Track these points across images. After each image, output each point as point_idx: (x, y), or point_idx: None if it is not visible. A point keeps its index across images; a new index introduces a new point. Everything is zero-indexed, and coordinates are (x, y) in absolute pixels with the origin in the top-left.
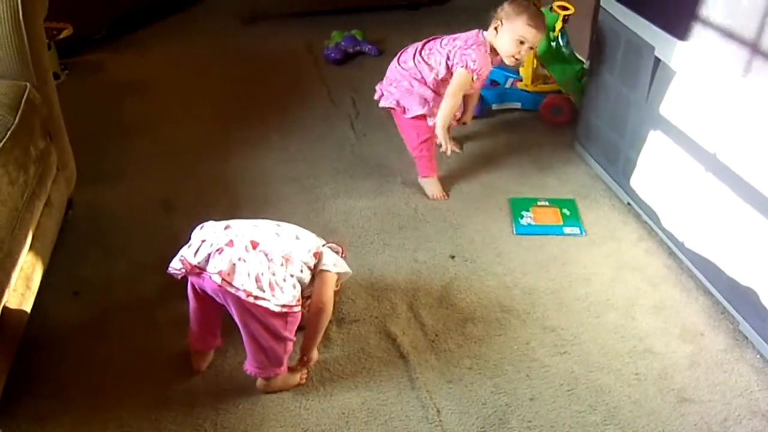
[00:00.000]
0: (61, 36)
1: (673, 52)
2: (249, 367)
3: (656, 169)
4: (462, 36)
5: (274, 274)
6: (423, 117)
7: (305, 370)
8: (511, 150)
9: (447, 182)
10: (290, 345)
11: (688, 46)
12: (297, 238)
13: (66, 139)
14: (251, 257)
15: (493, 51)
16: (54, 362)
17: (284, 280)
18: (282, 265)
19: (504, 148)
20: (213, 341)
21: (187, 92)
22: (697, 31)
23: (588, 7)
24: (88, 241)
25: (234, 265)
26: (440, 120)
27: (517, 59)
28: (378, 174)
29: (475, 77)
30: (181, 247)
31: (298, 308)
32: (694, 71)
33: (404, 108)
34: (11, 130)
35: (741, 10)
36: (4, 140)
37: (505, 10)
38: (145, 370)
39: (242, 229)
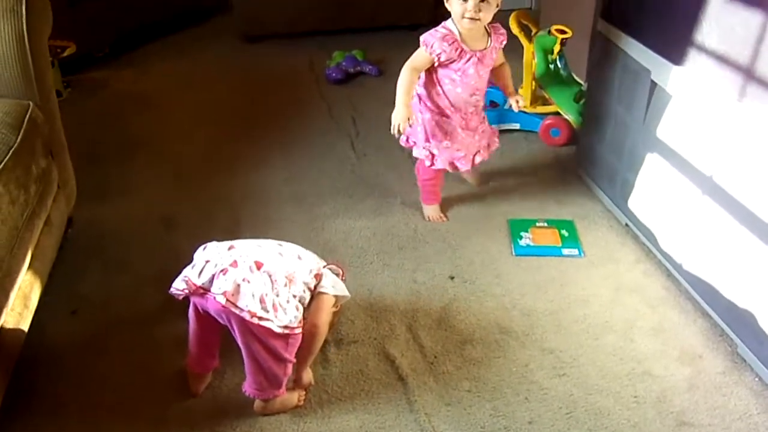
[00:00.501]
0: (65, 54)
1: (669, 76)
2: (248, 388)
3: (654, 190)
4: None
5: (277, 295)
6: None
7: (303, 392)
8: (510, 171)
9: (446, 202)
10: (290, 367)
11: (684, 70)
12: (299, 258)
13: (67, 157)
14: (255, 278)
15: (470, 38)
16: (52, 380)
17: (287, 302)
18: (285, 285)
19: (503, 168)
20: (211, 363)
21: (188, 110)
22: (693, 56)
23: (585, 29)
24: (87, 259)
25: (238, 285)
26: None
27: (472, 19)
28: (378, 194)
29: (429, 53)
30: (181, 265)
31: (299, 330)
32: (690, 95)
33: (411, 144)
34: (13, 149)
35: (735, 36)
36: (6, 159)
37: None
38: (143, 389)
39: (246, 249)
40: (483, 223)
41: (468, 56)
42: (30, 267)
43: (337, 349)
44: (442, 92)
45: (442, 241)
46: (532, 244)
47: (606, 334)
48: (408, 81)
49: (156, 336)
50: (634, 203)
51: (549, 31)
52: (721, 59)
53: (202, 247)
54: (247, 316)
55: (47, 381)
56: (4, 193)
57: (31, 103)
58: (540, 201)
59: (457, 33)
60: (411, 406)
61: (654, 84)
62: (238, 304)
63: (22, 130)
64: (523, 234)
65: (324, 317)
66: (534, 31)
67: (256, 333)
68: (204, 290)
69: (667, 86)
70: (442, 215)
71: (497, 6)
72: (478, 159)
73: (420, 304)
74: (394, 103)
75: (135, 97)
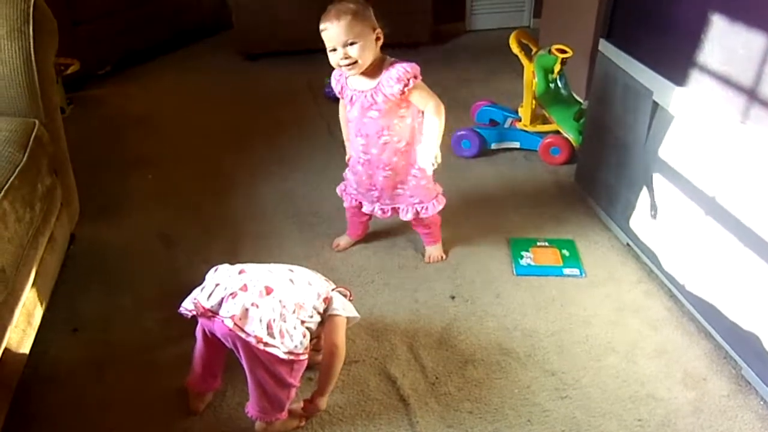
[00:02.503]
0: (68, 71)
1: (671, 97)
2: (251, 410)
3: (655, 211)
4: None
5: (285, 321)
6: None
7: (304, 413)
8: (510, 189)
9: (445, 221)
10: (293, 392)
11: (686, 91)
12: (309, 284)
13: (71, 175)
14: (264, 303)
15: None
16: (52, 399)
17: (294, 328)
18: (294, 312)
19: (503, 187)
20: (213, 383)
21: (188, 128)
22: (695, 77)
23: (585, 48)
24: (88, 276)
25: (247, 310)
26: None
27: (348, 65)
28: None
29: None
30: (181, 284)
31: (305, 356)
32: (693, 116)
33: None
34: (19, 167)
35: (738, 58)
36: (13, 178)
37: None
38: (143, 409)
39: (257, 274)
40: (483, 242)
41: (349, 96)
42: (34, 284)
43: None
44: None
45: (442, 260)
46: (533, 263)
47: (608, 355)
48: (340, 117)
49: (156, 356)
50: (635, 223)
51: (549, 51)
52: (724, 80)
53: (214, 269)
54: (253, 341)
55: (48, 399)
56: (11, 211)
57: (36, 122)
58: (540, 220)
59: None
60: (413, 427)
61: (656, 104)
62: (245, 328)
63: (28, 149)
64: (523, 253)
65: (341, 337)
66: (534, 50)
67: (262, 358)
68: (213, 313)
69: (669, 107)
70: (346, 247)
71: (378, 39)
72: (378, 212)
73: (421, 323)
74: None
75: (136, 115)
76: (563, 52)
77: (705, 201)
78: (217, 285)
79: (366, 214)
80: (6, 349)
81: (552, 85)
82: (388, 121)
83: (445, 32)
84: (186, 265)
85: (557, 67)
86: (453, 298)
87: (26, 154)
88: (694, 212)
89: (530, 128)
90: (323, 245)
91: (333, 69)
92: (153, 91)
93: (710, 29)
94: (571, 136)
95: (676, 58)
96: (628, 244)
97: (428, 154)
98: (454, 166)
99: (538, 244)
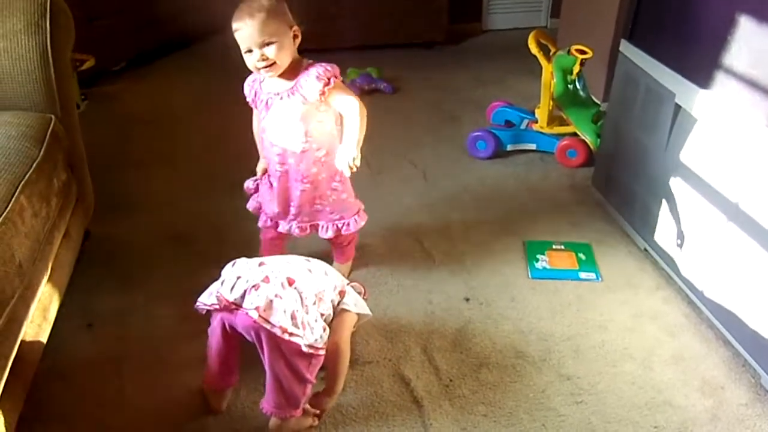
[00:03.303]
0: (84, 67)
1: (695, 99)
2: (266, 406)
3: (675, 215)
4: None
5: (307, 313)
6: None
7: (317, 411)
8: (526, 192)
9: (459, 223)
10: (309, 388)
11: (711, 94)
12: (326, 274)
13: (86, 170)
14: (287, 294)
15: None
16: (66, 394)
17: (315, 321)
18: (314, 303)
19: (518, 189)
20: (231, 379)
21: (202, 126)
22: (721, 80)
23: (604, 49)
24: (102, 272)
25: (271, 301)
26: None
27: (266, 67)
28: (391, 212)
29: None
30: (193, 283)
31: (323, 351)
32: (717, 120)
33: None
34: (36, 162)
35: (766, 61)
36: (30, 172)
37: None
38: (158, 407)
39: (277, 265)
40: (498, 244)
41: (264, 100)
42: (49, 280)
43: (352, 369)
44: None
45: (457, 262)
46: (548, 267)
47: (625, 361)
48: (254, 129)
49: (170, 353)
50: (653, 228)
51: (568, 51)
52: (751, 84)
53: (231, 263)
54: (279, 332)
55: (63, 394)
56: (28, 206)
57: (53, 117)
58: (556, 223)
59: (262, 75)
60: (426, 429)
61: (678, 107)
62: (271, 320)
63: (44, 144)
64: (539, 256)
65: (345, 335)
66: (553, 50)
67: (284, 350)
68: (236, 306)
69: (692, 110)
70: None
71: (296, 36)
72: (296, 230)
73: (435, 325)
74: (409, 120)
75: (150, 112)
76: (583, 52)
77: (728, 207)
78: (238, 278)
79: (282, 235)
80: (22, 344)
81: (570, 87)
82: (306, 126)
83: (460, 32)
84: (199, 263)
85: (576, 68)
86: (467, 300)
87: (43, 149)
88: (716, 218)
89: (547, 130)
90: None
91: (348, 68)
92: (167, 89)
93: (738, 31)
94: (588, 138)
95: (701, 61)
96: (645, 249)
97: (347, 153)
98: (469, 167)
99: (554, 247)
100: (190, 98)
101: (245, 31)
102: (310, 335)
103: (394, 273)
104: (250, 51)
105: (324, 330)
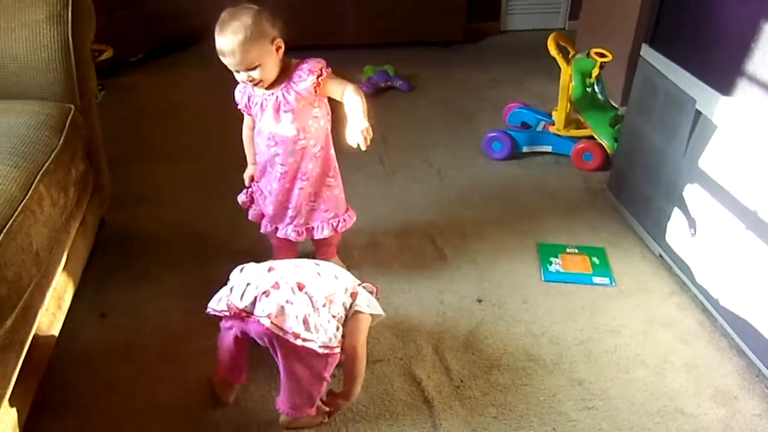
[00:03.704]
0: (102, 57)
1: (716, 106)
2: (282, 406)
3: (692, 222)
4: None
5: (319, 316)
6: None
7: (328, 408)
8: (541, 194)
9: (473, 224)
10: (324, 386)
11: (732, 101)
12: (336, 277)
13: (103, 160)
14: (298, 299)
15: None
16: (79, 383)
17: (328, 321)
18: (325, 305)
19: (533, 191)
20: (240, 377)
21: (217, 120)
22: (743, 87)
23: (623, 53)
24: (116, 263)
25: (282, 307)
26: None
27: (253, 83)
28: (405, 211)
29: (240, 108)
30: (207, 278)
31: (338, 349)
32: (738, 127)
33: None
34: (55, 151)
35: None
36: (49, 162)
37: None
38: (169, 399)
39: (286, 270)
40: (511, 246)
41: (258, 102)
42: (64, 268)
43: None
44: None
45: (469, 262)
46: (562, 270)
47: (637, 367)
48: (243, 137)
49: (181, 345)
50: (669, 234)
51: (588, 54)
52: None
53: (239, 268)
54: (292, 338)
55: (74, 383)
56: (46, 195)
57: (72, 107)
58: (570, 226)
59: None
60: (436, 429)
61: (698, 113)
62: (284, 326)
63: (64, 133)
64: (552, 259)
65: (362, 338)
66: (572, 53)
67: (300, 354)
68: (247, 313)
69: (712, 116)
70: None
71: (278, 49)
72: (292, 234)
73: (447, 325)
74: (425, 118)
75: (166, 104)
76: (602, 56)
77: (746, 215)
78: (248, 284)
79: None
80: (38, 331)
81: (589, 90)
82: (303, 123)
83: (478, 31)
84: (213, 256)
85: (595, 71)
86: (480, 301)
87: (62, 139)
88: (733, 225)
89: (563, 132)
90: (349, 243)
91: (365, 65)
92: (183, 82)
93: (761, 37)
94: (605, 142)
95: (723, 67)
96: (660, 255)
97: (359, 124)
98: (484, 168)
99: (568, 250)
100: (206, 92)
101: (228, 60)
102: (324, 335)
103: (407, 271)
104: (237, 71)
105: (337, 329)
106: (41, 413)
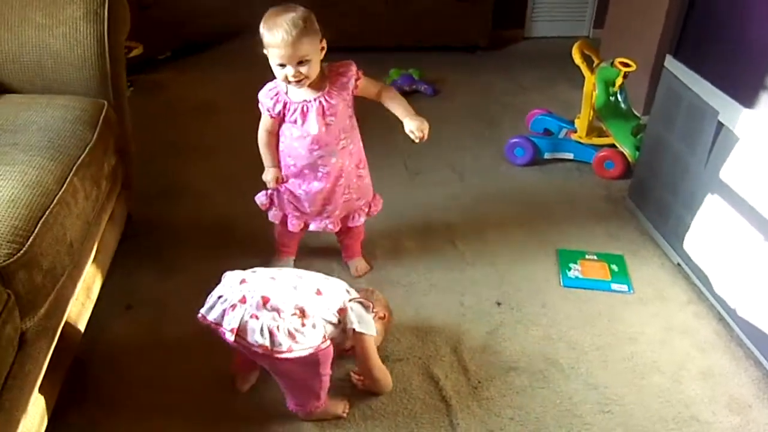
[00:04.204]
0: (132, 54)
1: (739, 118)
2: (290, 405)
3: (711, 232)
4: None
5: (290, 324)
6: None
7: (347, 402)
8: (562, 200)
9: (494, 227)
10: (326, 379)
11: (755, 113)
12: (318, 293)
13: (133, 155)
14: (263, 314)
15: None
16: (105, 374)
17: (303, 326)
18: (293, 315)
19: (554, 198)
20: (254, 367)
21: (245, 119)
22: (766, 100)
23: (647, 63)
24: (143, 256)
25: (246, 322)
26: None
27: (297, 81)
28: (428, 214)
29: (265, 113)
30: (231, 268)
31: (326, 344)
32: (760, 139)
33: None
34: (89, 146)
35: None
36: (83, 156)
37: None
38: (192, 390)
39: (257, 283)
40: (531, 251)
41: (294, 107)
42: (94, 260)
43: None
44: (283, 145)
45: (489, 265)
46: (580, 276)
47: (653, 374)
48: (263, 142)
49: (205, 338)
50: (688, 243)
51: (612, 63)
52: None
53: (224, 275)
54: (260, 351)
55: (101, 375)
56: (80, 188)
57: (106, 103)
58: (590, 233)
59: (283, 85)
60: (454, 429)
61: (721, 125)
62: (248, 339)
63: (97, 128)
64: (571, 265)
65: (373, 361)
66: (596, 62)
67: (278, 360)
68: (216, 325)
69: (735, 128)
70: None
71: (322, 49)
72: (330, 227)
73: (466, 327)
74: (448, 122)
75: (193, 101)
76: (626, 65)
77: (765, 226)
78: (219, 297)
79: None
80: (68, 321)
81: (612, 98)
82: (343, 123)
83: (503, 37)
84: (238, 251)
85: (619, 81)
86: (499, 304)
87: (96, 134)
88: (752, 237)
89: (585, 140)
90: (372, 244)
91: (390, 69)
92: (210, 79)
93: None
94: (627, 150)
95: (747, 79)
96: (678, 264)
97: (418, 121)
98: (506, 173)
99: (587, 257)
100: (233, 90)
101: (282, 51)
102: (304, 339)
103: (427, 273)
104: (282, 65)
105: (316, 327)
106: (66, 403)
